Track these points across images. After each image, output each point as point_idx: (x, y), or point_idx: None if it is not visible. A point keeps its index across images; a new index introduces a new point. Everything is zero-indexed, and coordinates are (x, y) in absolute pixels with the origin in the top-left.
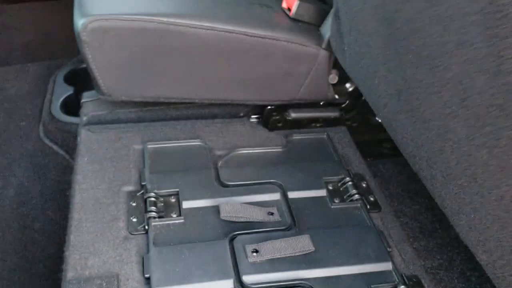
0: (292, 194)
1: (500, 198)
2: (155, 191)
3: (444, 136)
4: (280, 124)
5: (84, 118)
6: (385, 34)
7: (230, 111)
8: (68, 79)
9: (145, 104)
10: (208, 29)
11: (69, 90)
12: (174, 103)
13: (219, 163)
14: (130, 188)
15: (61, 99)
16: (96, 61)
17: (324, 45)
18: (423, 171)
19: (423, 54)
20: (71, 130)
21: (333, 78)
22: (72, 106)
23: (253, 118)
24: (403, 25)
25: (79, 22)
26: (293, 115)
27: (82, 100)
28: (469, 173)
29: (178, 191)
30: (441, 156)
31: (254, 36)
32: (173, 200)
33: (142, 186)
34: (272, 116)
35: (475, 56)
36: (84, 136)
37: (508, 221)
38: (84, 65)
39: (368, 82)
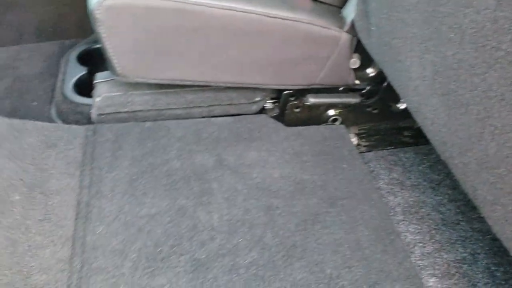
0: None
1: None
2: None
3: (484, 122)
4: (297, 110)
5: (97, 100)
6: (426, 10)
7: (247, 95)
8: (81, 59)
9: (160, 86)
10: (226, 9)
11: (82, 71)
12: (190, 86)
13: None
14: None
15: (74, 79)
16: (111, 40)
17: (346, 28)
18: (454, 158)
19: (469, 31)
20: (84, 111)
21: (355, 62)
22: (85, 87)
23: (269, 103)
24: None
25: None
26: (312, 100)
27: (95, 81)
28: None
29: None
30: (478, 143)
31: (275, 18)
32: None
33: None
34: (289, 101)
35: None
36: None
37: None
38: (97, 45)
39: (397, 64)
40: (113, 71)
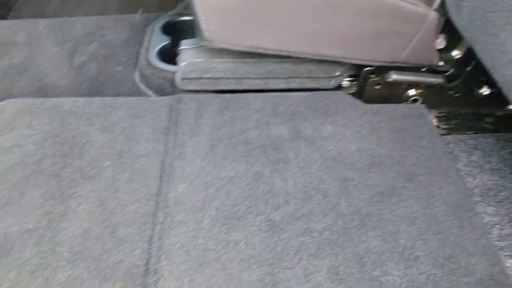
0: None
1: None
2: None
3: None
4: (378, 87)
5: (182, 64)
6: None
7: (326, 69)
8: (165, 30)
9: (242, 55)
10: None
11: (166, 40)
12: (271, 56)
13: None
14: None
15: (158, 47)
16: (202, 4)
17: (435, 6)
18: None
19: None
20: (167, 77)
21: (441, 42)
22: (167, 55)
23: (346, 81)
24: None
25: None
26: (394, 76)
27: (180, 48)
28: None
29: None
30: None
31: None
32: None
33: None
34: (369, 78)
35: None
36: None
37: None
38: (180, 18)
39: (490, 38)
40: (200, 36)
